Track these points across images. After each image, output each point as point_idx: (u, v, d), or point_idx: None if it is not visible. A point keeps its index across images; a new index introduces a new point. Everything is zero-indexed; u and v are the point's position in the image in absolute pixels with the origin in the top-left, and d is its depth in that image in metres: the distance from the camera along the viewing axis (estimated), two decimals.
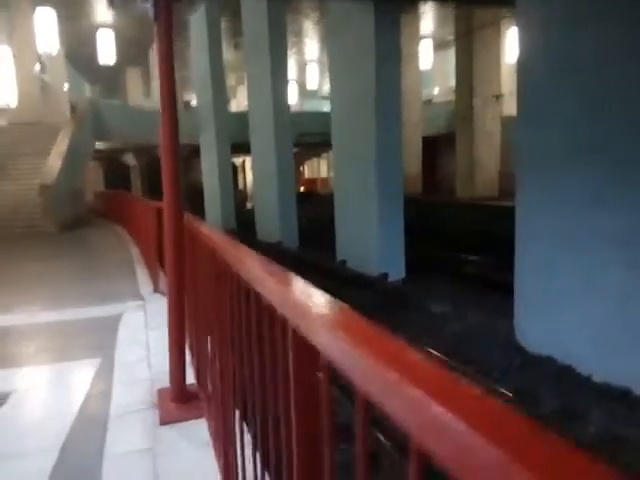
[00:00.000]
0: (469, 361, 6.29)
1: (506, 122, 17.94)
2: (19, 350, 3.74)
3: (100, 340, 3.81)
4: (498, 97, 17.33)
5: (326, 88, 37.34)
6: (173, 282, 2.55)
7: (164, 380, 2.94)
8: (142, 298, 5.10)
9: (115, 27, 22.06)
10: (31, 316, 4.57)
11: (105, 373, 3.12)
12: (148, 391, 2.83)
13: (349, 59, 10.76)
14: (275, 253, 12.13)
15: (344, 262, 11.52)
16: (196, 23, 19.48)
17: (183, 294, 2.57)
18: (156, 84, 25.08)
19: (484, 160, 17.62)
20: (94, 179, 25.75)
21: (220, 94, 19.19)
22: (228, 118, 19.71)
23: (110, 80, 28.82)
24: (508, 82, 20.46)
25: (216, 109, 18.83)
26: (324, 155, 38.70)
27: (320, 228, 15.20)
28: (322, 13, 22.39)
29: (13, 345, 3.86)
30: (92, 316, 4.51)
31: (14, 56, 16.05)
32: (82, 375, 3.13)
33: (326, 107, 34.90)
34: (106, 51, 21.92)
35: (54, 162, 13.25)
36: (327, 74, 33.40)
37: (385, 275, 10.19)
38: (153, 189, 22.27)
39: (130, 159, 27.76)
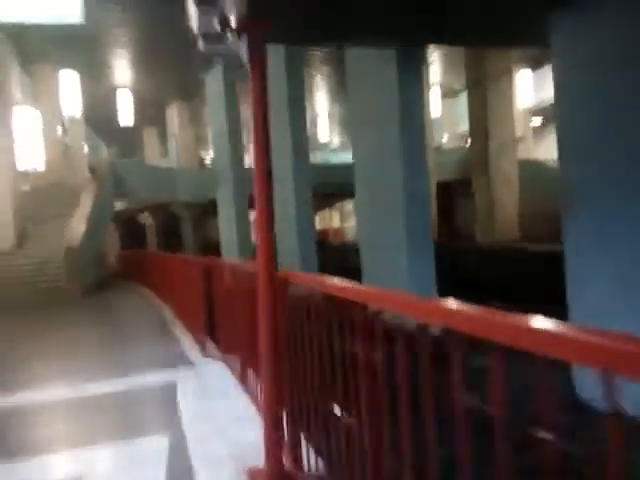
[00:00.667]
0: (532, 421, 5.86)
1: (522, 165, 17.98)
2: (77, 427, 3.48)
3: (162, 412, 3.55)
4: (518, 140, 17.50)
5: (335, 141, 38.24)
6: (268, 347, 2.33)
7: (249, 458, 2.68)
8: (191, 363, 4.84)
9: (133, 88, 22.82)
10: (79, 389, 4.31)
11: (180, 451, 2.86)
12: (234, 471, 2.55)
13: (371, 108, 10.85)
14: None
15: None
16: (212, 81, 20.05)
17: (280, 360, 2.34)
18: (173, 144, 25.70)
19: (503, 204, 17.55)
20: (110, 240, 25.94)
21: (237, 150, 19.50)
22: (243, 172, 19.94)
23: (127, 141, 29.56)
24: (521, 126, 20.74)
25: (233, 164, 19.08)
26: (336, 205, 39.02)
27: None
28: (333, 66, 23.15)
29: (71, 422, 3.60)
30: (145, 385, 4.26)
31: (42, 119, 16.43)
32: (156, 453, 2.86)
33: (335, 159, 35.62)
34: (125, 112, 22.60)
35: (78, 224, 13.29)
36: (335, 127, 34.16)
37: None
38: (168, 246, 22.31)
39: (146, 218, 28.03)
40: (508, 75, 18.09)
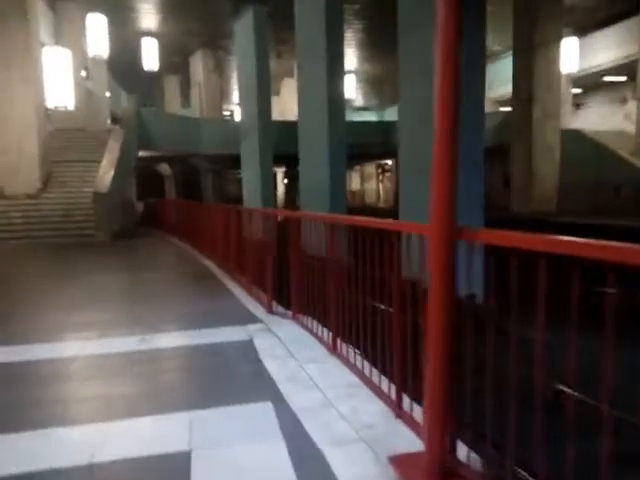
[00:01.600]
0: None
1: (565, 135, 17.20)
2: (160, 384, 3.10)
3: (252, 375, 3.15)
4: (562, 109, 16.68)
5: (359, 100, 37.00)
6: (442, 322, 1.88)
7: (380, 438, 2.28)
8: (259, 320, 4.45)
9: (157, 34, 21.91)
10: (142, 341, 3.93)
11: (293, 425, 2.46)
12: (372, 457, 2.15)
13: (426, 62, 10.13)
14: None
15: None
16: (242, 30, 19.11)
17: (451, 325, 1.90)
18: (195, 94, 24.86)
19: (542, 174, 16.85)
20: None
21: (265, 102, 18.76)
22: (271, 125, 19.24)
23: (148, 89, 28.69)
24: (566, 96, 19.76)
25: (261, 118, 18.38)
26: (356, 168, 38.19)
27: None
28: (366, 21, 22.01)
29: (150, 378, 3.22)
30: (218, 341, 3.86)
31: (72, 59, 15.69)
32: (267, 426, 2.47)
33: (358, 118, 34.49)
34: (148, 58, 21.76)
35: (106, 170, 12.83)
36: (362, 86, 33.02)
37: (472, 296, 9.40)
38: (188, 198, 21.86)
39: (164, 169, 27.49)
40: (557, 41, 17.08)
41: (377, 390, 2.72)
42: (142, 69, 22.51)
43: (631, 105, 19.78)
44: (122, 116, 16.93)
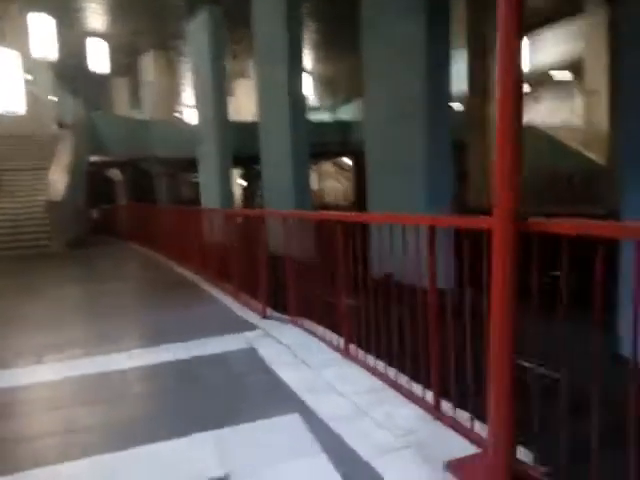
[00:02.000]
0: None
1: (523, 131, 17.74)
2: (167, 404, 2.86)
3: (267, 386, 2.97)
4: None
5: (313, 100, 36.93)
6: (506, 318, 1.78)
7: (427, 444, 2.17)
8: (256, 327, 4.25)
9: (106, 35, 21.05)
10: (132, 357, 3.65)
11: (329, 436, 2.31)
12: (424, 463, 2.04)
13: (391, 60, 10.15)
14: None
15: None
16: (196, 30, 18.63)
17: (513, 320, 1.80)
18: (147, 95, 24.04)
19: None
20: None
21: (222, 104, 18.36)
22: (227, 127, 18.85)
23: (95, 92, 27.54)
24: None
25: (217, 120, 17.98)
26: (313, 167, 38.11)
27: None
28: (320, 22, 21.96)
29: (154, 398, 2.97)
30: (219, 351, 3.64)
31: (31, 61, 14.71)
32: (301, 439, 2.30)
33: (313, 117, 34.35)
34: (95, 60, 20.86)
35: (58, 177, 12.14)
36: (317, 86, 33.01)
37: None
38: (139, 202, 21.09)
39: (115, 174, 26.48)
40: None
41: (408, 394, 2.61)
42: (89, 71, 21.56)
43: (578, 100, 20.64)
44: (72, 120, 16.09)
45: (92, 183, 27.10)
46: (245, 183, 33.45)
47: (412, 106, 9.66)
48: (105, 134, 18.53)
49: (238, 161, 22.14)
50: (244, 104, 27.50)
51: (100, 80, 24.54)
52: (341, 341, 3.39)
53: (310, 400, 2.70)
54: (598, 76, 16.97)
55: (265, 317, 4.49)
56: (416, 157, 9.75)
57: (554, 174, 17.37)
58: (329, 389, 2.84)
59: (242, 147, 19.02)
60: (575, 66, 20.01)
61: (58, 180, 11.85)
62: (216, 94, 18.10)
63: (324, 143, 25.04)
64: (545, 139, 19.38)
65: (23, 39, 16.13)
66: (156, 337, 4.17)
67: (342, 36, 22.45)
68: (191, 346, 3.80)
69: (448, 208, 9.81)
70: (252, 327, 4.24)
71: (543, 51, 21.46)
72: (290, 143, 14.55)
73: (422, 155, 9.63)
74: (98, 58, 20.83)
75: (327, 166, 38.06)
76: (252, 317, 4.56)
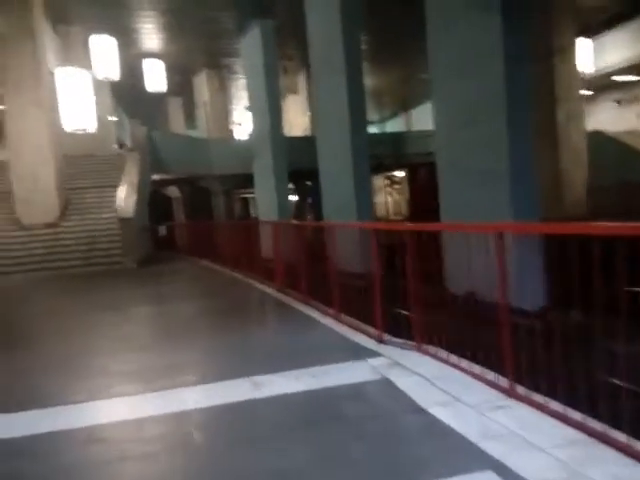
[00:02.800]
0: None
1: (590, 137, 16.90)
2: (328, 454, 2.47)
3: (428, 431, 2.53)
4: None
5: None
6: None
7: None
8: (376, 353, 3.82)
9: (161, 55, 21.51)
10: (256, 387, 3.30)
11: None
12: None
13: (461, 63, 9.66)
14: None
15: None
16: (249, 47, 18.76)
17: None
18: (202, 114, 24.42)
19: (571, 177, 16.45)
20: None
21: (277, 117, 18.38)
22: (283, 143, 18.80)
23: (150, 112, 28.27)
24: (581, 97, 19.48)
25: (273, 134, 17.98)
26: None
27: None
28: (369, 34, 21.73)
29: (305, 442, 2.58)
30: (346, 382, 3.23)
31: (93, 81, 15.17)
32: None
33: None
34: (153, 79, 21.33)
35: (128, 195, 12.25)
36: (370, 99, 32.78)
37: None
38: (197, 219, 21.33)
39: (172, 191, 26.97)
40: (572, 43, 16.91)
41: (627, 449, 2.12)
42: (145, 91, 22.05)
43: None
44: (135, 140, 16.41)
45: (151, 200, 27.80)
46: (296, 198, 33.45)
47: (490, 108, 9.15)
48: (164, 152, 18.83)
49: (291, 176, 22.14)
50: (294, 120, 27.52)
51: (156, 100, 25.15)
52: (499, 377, 2.93)
53: (498, 453, 2.24)
54: None
55: (382, 342, 4.07)
56: (498, 163, 9.18)
57: (626, 184, 16.42)
58: (513, 439, 2.37)
59: (292, 162, 18.96)
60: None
61: (128, 198, 11.96)
62: (271, 108, 18.14)
63: (376, 156, 24.72)
64: (614, 146, 18.40)
65: (86, 61, 16.62)
66: (272, 362, 3.80)
67: (389, 48, 22.10)
68: (313, 374, 3.42)
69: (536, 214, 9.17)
70: (372, 354, 3.82)
71: (608, 53, 20.46)
72: (351, 155, 14.22)
73: (505, 161, 9.05)
74: (154, 78, 21.30)
75: (377, 180, 37.66)
76: (366, 342, 4.15)
